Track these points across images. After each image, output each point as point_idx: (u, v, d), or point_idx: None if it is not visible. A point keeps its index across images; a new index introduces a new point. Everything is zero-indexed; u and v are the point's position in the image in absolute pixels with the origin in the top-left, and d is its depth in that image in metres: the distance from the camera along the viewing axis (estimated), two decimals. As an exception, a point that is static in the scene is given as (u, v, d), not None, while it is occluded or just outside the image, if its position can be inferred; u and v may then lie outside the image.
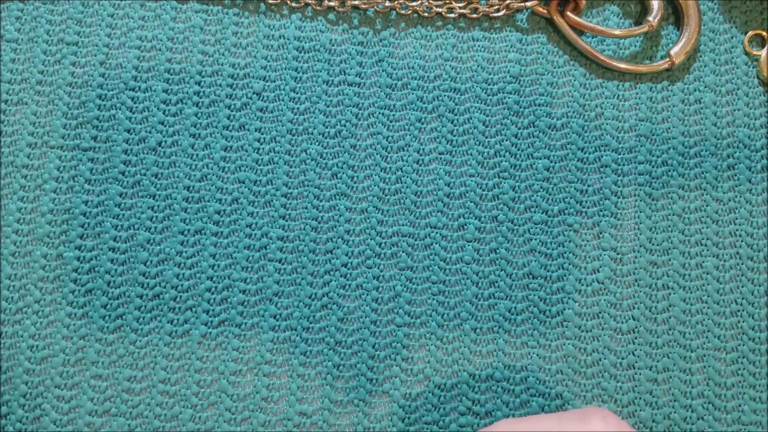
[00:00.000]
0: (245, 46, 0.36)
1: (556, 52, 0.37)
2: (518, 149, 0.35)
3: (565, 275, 0.34)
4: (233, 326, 0.33)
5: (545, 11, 0.37)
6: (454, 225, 0.35)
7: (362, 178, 0.35)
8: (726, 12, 0.38)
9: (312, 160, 0.35)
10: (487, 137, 0.36)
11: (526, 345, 0.33)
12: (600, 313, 0.34)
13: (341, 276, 0.34)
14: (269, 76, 0.36)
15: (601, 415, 0.26)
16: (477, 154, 0.35)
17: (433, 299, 0.34)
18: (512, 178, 0.35)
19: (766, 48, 0.37)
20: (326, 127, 0.35)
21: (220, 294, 0.33)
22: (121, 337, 0.33)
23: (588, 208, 0.35)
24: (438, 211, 0.35)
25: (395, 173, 0.35)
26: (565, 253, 0.34)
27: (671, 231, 0.35)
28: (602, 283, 0.34)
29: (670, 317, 0.34)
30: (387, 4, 0.37)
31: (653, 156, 0.35)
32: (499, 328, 0.33)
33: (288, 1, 0.37)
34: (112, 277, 0.33)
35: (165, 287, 0.33)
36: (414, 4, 0.37)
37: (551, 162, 0.35)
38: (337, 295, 0.34)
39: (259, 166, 0.35)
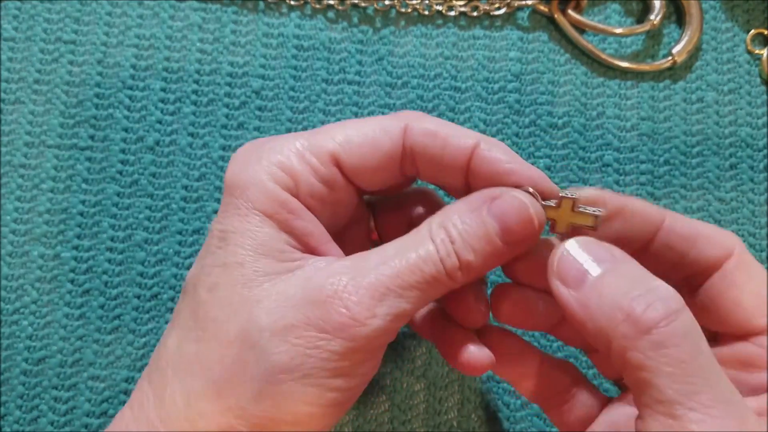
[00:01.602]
0: (244, 45, 0.36)
1: (558, 50, 0.37)
2: (519, 148, 0.35)
3: (566, 275, 0.34)
4: (232, 327, 0.33)
5: (546, 9, 0.37)
6: (455, 225, 0.34)
7: (362, 178, 0.35)
8: (728, 11, 0.38)
9: (311, 159, 0.35)
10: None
11: (527, 346, 0.33)
12: (601, 313, 0.34)
13: (341, 276, 0.34)
14: (268, 74, 0.36)
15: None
16: (477, 154, 0.35)
17: (434, 300, 0.33)
18: (513, 177, 0.35)
19: (768, 46, 0.37)
20: (326, 126, 0.35)
21: (218, 294, 0.33)
22: (118, 338, 0.32)
23: (589, 207, 0.35)
24: (438, 211, 0.34)
25: (395, 173, 0.35)
26: (567, 253, 0.34)
27: (673, 231, 0.34)
28: (604, 284, 0.34)
29: (672, 318, 0.34)
30: (387, 2, 0.36)
31: (655, 155, 0.35)
32: (500, 328, 0.33)
33: None
34: (110, 277, 0.33)
35: (163, 287, 0.33)
36: (414, 2, 0.37)
37: (552, 161, 0.35)
38: (337, 295, 0.33)
39: (258, 165, 0.35)
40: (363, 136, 0.24)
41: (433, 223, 0.23)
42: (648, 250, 0.25)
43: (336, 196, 0.25)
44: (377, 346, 0.22)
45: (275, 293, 0.22)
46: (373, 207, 0.29)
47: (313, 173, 0.24)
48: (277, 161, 0.24)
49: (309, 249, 0.24)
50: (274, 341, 0.21)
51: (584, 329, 0.21)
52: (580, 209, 0.24)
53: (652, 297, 0.20)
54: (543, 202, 0.24)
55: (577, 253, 0.22)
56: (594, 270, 0.22)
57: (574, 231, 0.24)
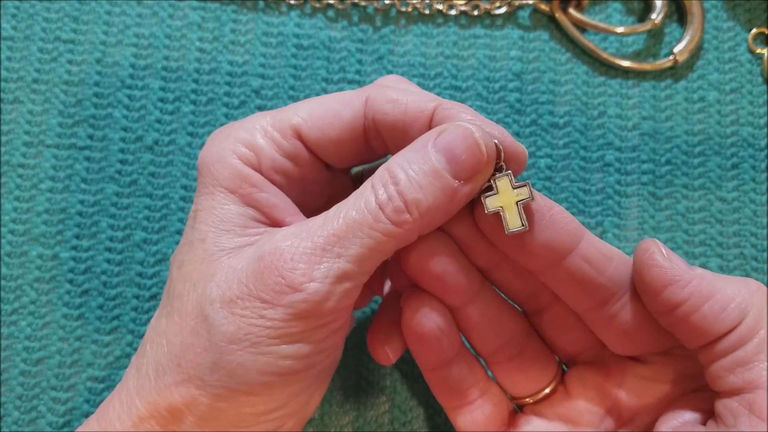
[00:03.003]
0: (243, 44, 0.36)
1: (559, 49, 0.37)
2: (520, 148, 0.35)
3: (567, 276, 0.34)
4: (231, 327, 0.33)
5: (547, 8, 0.37)
6: (455, 225, 0.34)
7: (362, 178, 0.35)
8: (729, 10, 0.37)
9: (311, 159, 0.35)
10: (488, 136, 0.35)
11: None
12: (603, 314, 0.33)
13: (341, 276, 0.33)
14: (267, 73, 0.35)
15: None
16: (478, 153, 0.35)
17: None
18: (514, 177, 0.35)
19: (770, 45, 0.37)
20: (325, 126, 0.35)
21: (218, 295, 0.33)
22: (117, 339, 0.32)
23: (591, 207, 0.34)
24: (439, 211, 0.34)
25: (395, 172, 0.35)
26: (568, 253, 0.34)
27: (675, 231, 0.34)
28: (605, 284, 0.34)
29: (673, 318, 0.33)
30: (387, 1, 0.36)
31: (657, 155, 0.35)
32: (501, 329, 0.33)
33: (287, -2, 0.36)
34: (109, 277, 0.33)
35: (162, 288, 0.33)
36: (414, 1, 0.36)
37: (554, 161, 0.35)
38: (337, 295, 0.33)
39: (258, 165, 0.34)
40: (325, 108, 0.24)
41: (378, 170, 0.23)
42: (560, 265, 0.24)
43: (302, 172, 0.25)
44: (327, 311, 0.22)
45: (227, 267, 0.22)
46: (360, 179, 0.29)
47: (275, 148, 0.24)
48: (242, 138, 0.24)
49: (275, 222, 0.24)
50: (222, 313, 0.22)
51: (692, 298, 0.22)
52: (516, 184, 0.23)
53: None
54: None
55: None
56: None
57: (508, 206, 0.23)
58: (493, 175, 0.23)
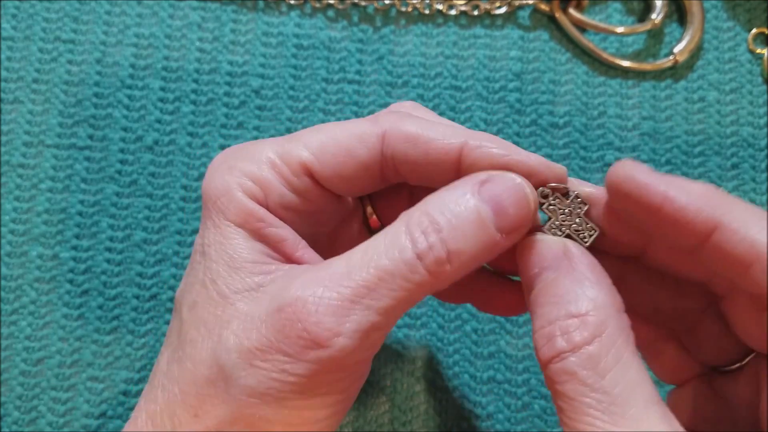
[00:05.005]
0: (243, 44, 0.36)
1: (559, 49, 0.37)
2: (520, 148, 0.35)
3: (567, 276, 0.34)
4: (231, 327, 0.33)
5: (547, 8, 0.37)
6: (455, 225, 0.34)
7: (362, 178, 0.35)
8: (729, 10, 0.37)
9: (311, 159, 0.35)
10: (488, 136, 0.35)
11: (527, 347, 0.33)
12: (603, 314, 0.33)
13: (341, 276, 0.33)
14: (267, 73, 0.35)
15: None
16: (478, 153, 0.35)
17: (434, 300, 0.33)
18: (514, 177, 0.35)
19: (770, 45, 0.37)
20: (325, 126, 0.35)
21: (218, 295, 0.33)
22: (117, 339, 0.32)
23: (590, 207, 0.34)
24: (439, 211, 0.34)
25: (395, 172, 0.35)
26: (568, 253, 0.34)
27: (675, 231, 0.34)
28: (605, 284, 0.34)
29: (673, 318, 0.33)
30: (387, 1, 0.36)
31: (657, 155, 0.35)
32: (501, 329, 0.33)
33: (287, -2, 0.36)
34: (109, 277, 0.33)
35: (162, 288, 0.33)
36: (414, 1, 0.36)
37: (554, 161, 0.35)
38: (337, 295, 0.33)
39: (258, 165, 0.34)
40: (337, 146, 0.23)
41: (414, 214, 0.21)
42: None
43: (311, 206, 0.24)
44: (351, 363, 0.21)
45: (243, 314, 0.21)
46: (370, 197, 0.28)
47: (284, 183, 0.23)
48: (248, 171, 0.23)
49: (284, 256, 0.23)
50: (241, 365, 0.21)
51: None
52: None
53: None
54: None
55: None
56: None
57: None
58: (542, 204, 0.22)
